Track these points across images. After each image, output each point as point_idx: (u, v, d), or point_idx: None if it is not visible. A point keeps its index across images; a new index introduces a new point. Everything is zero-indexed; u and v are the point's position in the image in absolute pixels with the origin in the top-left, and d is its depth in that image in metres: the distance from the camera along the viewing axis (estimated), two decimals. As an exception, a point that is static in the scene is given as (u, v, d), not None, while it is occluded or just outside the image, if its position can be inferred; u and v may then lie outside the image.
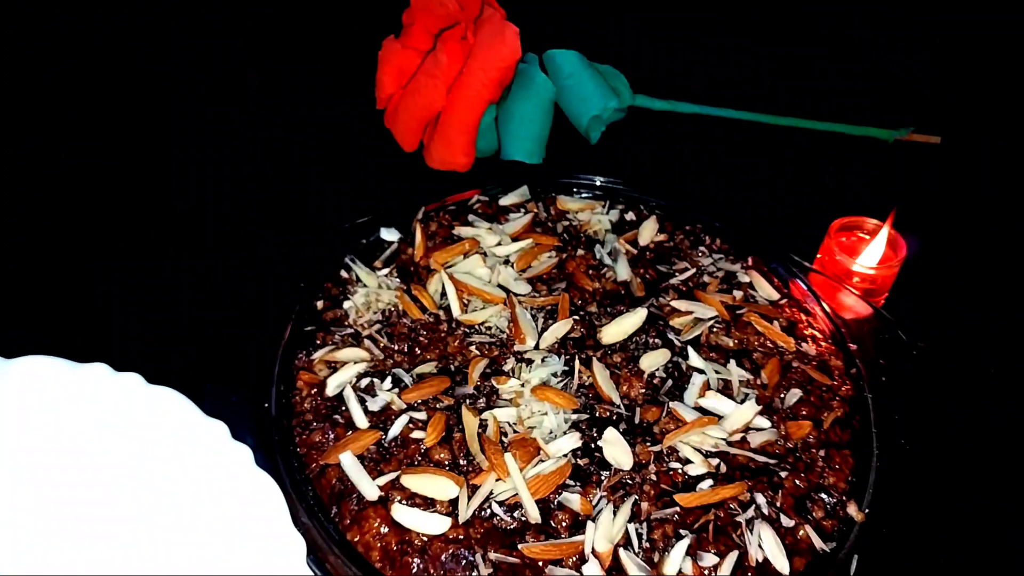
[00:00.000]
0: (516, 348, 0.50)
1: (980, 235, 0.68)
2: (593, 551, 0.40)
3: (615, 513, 0.41)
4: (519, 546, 0.40)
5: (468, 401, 0.46)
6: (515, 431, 0.45)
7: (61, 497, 0.41)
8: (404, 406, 0.46)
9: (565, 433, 0.45)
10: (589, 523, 0.41)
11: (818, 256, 0.58)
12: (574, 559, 0.40)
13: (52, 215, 0.64)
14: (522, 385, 0.47)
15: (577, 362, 0.48)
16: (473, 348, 0.50)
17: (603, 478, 0.43)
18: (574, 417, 0.46)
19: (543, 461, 0.44)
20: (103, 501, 0.41)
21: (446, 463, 0.44)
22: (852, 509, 0.43)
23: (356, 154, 0.70)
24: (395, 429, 0.45)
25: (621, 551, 0.40)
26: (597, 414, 0.46)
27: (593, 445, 0.45)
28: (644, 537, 0.41)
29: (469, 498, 0.42)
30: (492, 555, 0.40)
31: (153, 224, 0.64)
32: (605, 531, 0.41)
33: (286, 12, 0.87)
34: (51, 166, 0.69)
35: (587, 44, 0.68)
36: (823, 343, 0.52)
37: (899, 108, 0.76)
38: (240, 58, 0.81)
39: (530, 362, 0.48)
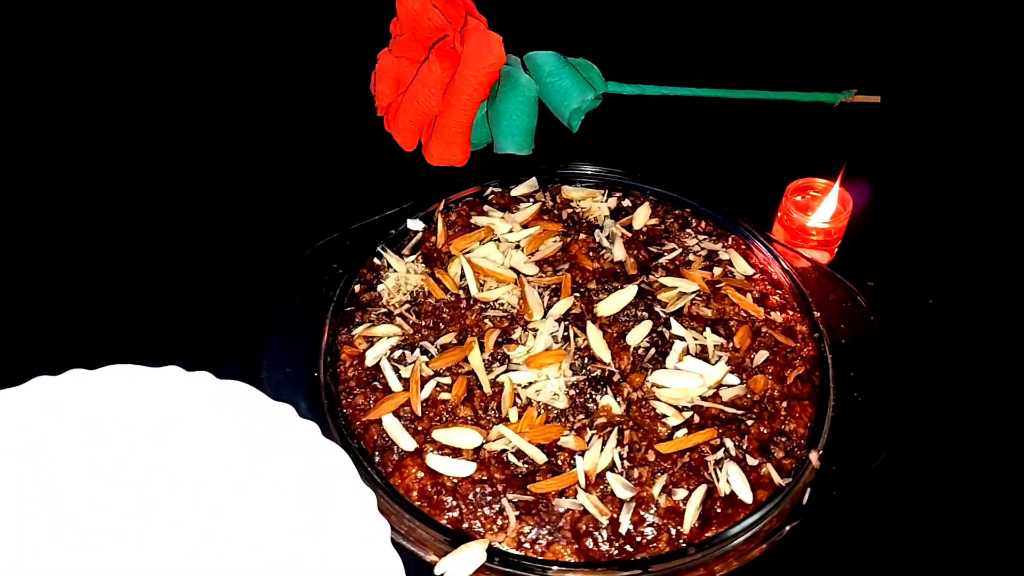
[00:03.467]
0: (525, 321, 0.58)
1: (923, 185, 0.76)
2: (584, 476, 0.49)
3: (603, 445, 0.51)
4: (528, 486, 0.50)
5: (485, 366, 0.55)
6: (525, 396, 0.54)
7: (176, 498, 0.49)
8: (431, 372, 0.55)
9: (567, 394, 0.54)
10: (578, 456, 0.50)
11: (778, 215, 0.66)
12: (573, 487, 0.49)
13: (59, 220, 0.72)
14: (528, 352, 0.56)
15: (572, 328, 0.57)
16: (488, 321, 0.58)
17: (594, 423, 0.52)
18: (573, 379, 0.54)
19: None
20: (211, 493, 0.49)
21: (469, 419, 0.53)
22: (813, 456, 0.52)
23: (362, 155, 0.78)
24: (425, 392, 0.54)
25: (608, 474, 0.50)
26: (593, 374, 0.55)
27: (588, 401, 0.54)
28: (625, 459, 0.50)
29: (487, 442, 0.51)
30: (511, 496, 0.49)
31: (187, 226, 0.72)
32: (593, 457, 0.50)
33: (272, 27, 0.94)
34: (49, 167, 0.77)
35: (560, 40, 0.76)
36: (789, 311, 0.60)
37: (841, 74, 0.84)
38: (244, 66, 0.88)
39: (536, 331, 0.57)
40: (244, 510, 0.49)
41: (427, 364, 0.55)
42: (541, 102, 0.74)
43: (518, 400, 0.54)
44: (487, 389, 0.54)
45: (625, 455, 0.51)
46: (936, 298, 0.65)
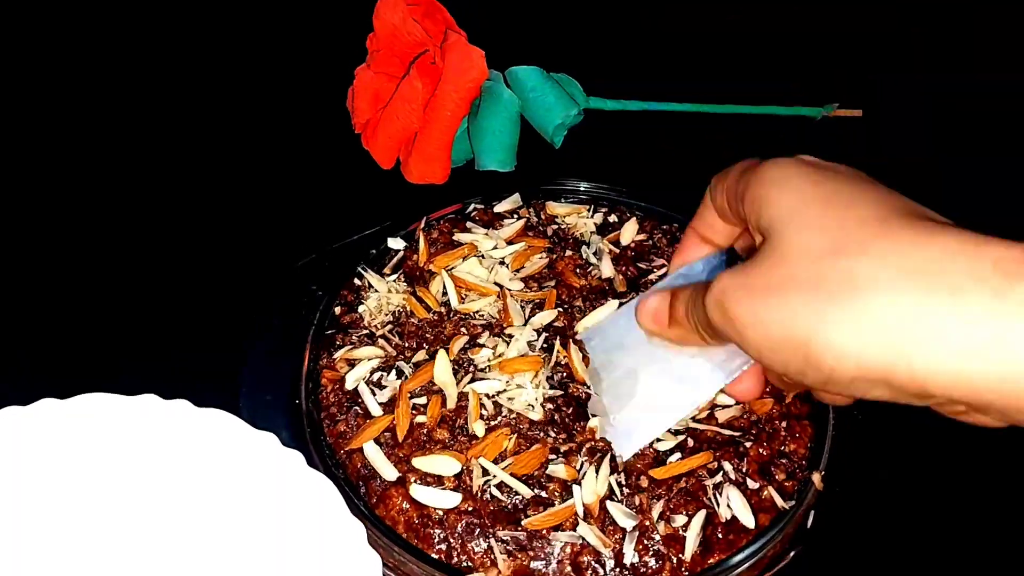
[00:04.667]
0: (501, 327, 0.56)
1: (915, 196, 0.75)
2: (584, 508, 0.47)
3: (597, 471, 0.48)
4: (522, 521, 0.47)
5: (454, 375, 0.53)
6: (495, 404, 0.51)
7: (145, 529, 0.46)
8: (407, 394, 0.52)
9: (542, 405, 0.51)
10: (575, 486, 0.48)
11: None
12: (571, 520, 0.47)
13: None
14: (497, 356, 0.53)
15: (557, 340, 0.54)
16: (463, 330, 0.56)
17: (582, 448, 0.50)
18: (550, 392, 0.52)
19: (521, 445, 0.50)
20: (187, 522, 0.46)
21: (446, 441, 0.50)
22: (816, 477, 0.50)
23: (339, 174, 0.76)
24: (399, 418, 0.51)
25: (608, 503, 0.47)
26: (570, 391, 0.52)
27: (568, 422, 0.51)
28: (623, 485, 0.48)
29: (470, 471, 0.49)
30: (501, 533, 0.47)
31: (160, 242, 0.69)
32: (590, 487, 0.48)
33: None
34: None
35: (538, 55, 0.74)
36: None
37: (822, 89, 0.83)
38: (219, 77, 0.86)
39: (511, 338, 0.55)
40: (229, 543, 0.46)
41: (399, 386, 0.53)
42: (523, 118, 0.72)
43: (485, 412, 0.51)
44: (451, 403, 0.52)
45: (623, 481, 0.48)
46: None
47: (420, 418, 0.51)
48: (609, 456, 0.49)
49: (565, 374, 0.54)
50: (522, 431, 0.50)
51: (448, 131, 0.70)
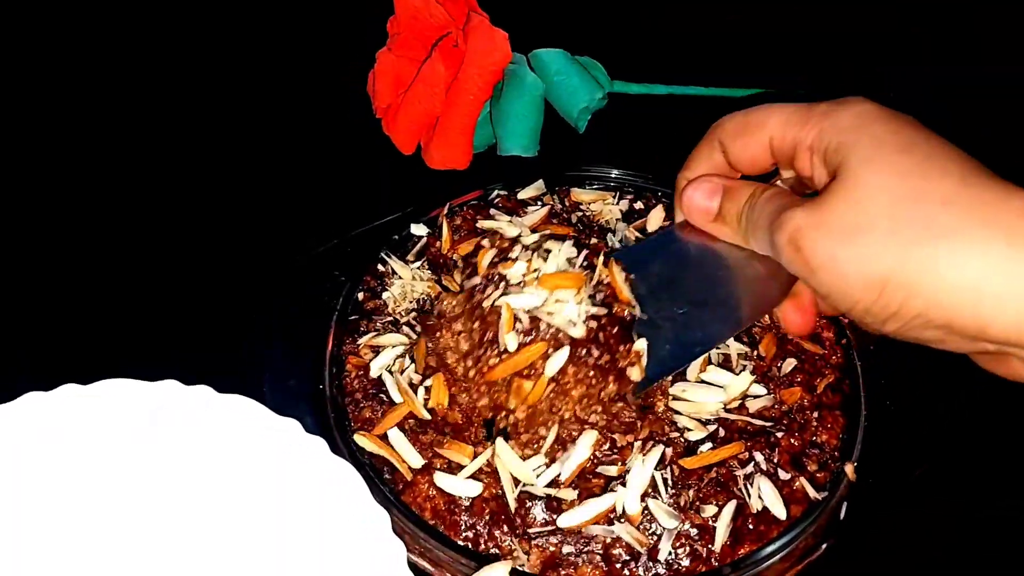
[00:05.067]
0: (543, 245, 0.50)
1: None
2: (624, 512, 0.46)
3: (644, 463, 0.47)
4: (558, 521, 0.46)
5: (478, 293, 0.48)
6: (532, 319, 0.45)
7: (167, 516, 0.46)
8: (420, 378, 0.51)
9: (584, 323, 0.45)
10: (620, 486, 0.46)
11: None
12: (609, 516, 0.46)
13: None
14: (534, 271, 0.47)
15: (601, 257, 0.48)
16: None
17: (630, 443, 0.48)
18: (593, 310, 0.46)
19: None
20: (209, 512, 0.46)
21: (461, 423, 0.49)
22: (849, 468, 0.49)
23: (359, 159, 0.75)
24: (418, 401, 0.50)
25: (651, 501, 0.46)
26: (614, 311, 0.46)
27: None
28: (669, 483, 0.47)
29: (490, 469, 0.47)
30: (532, 530, 0.46)
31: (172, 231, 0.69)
32: (635, 491, 0.46)
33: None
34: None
35: (561, 38, 0.73)
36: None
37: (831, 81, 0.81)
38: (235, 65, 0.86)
39: (548, 252, 0.48)
40: (252, 530, 0.45)
41: (415, 371, 0.52)
42: (547, 101, 0.71)
43: (519, 325, 0.45)
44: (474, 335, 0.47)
45: (669, 478, 0.47)
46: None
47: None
48: (660, 447, 0.48)
49: (607, 293, 0.48)
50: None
51: (470, 115, 0.69)
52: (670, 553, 0.45)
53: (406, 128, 0.71)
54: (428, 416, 0.50)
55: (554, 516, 0.46)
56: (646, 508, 0.46)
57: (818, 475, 0.49)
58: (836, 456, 0.50)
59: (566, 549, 0.45)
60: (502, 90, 0.69)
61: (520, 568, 0.44)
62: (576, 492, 0.46)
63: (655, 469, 0.47)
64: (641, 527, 0.45)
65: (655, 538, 0.45)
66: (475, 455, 0.48)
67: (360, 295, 0.58)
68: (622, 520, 0.46)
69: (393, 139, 0.73)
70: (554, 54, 0.70)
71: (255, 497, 0.46)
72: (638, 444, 0.48)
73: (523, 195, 0.66)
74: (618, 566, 0.45)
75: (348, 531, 0.44)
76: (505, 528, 0.46)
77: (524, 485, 0.47)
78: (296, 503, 0.45)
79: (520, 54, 0.71)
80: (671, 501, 0.46)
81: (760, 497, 0.47)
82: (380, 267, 0.60)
